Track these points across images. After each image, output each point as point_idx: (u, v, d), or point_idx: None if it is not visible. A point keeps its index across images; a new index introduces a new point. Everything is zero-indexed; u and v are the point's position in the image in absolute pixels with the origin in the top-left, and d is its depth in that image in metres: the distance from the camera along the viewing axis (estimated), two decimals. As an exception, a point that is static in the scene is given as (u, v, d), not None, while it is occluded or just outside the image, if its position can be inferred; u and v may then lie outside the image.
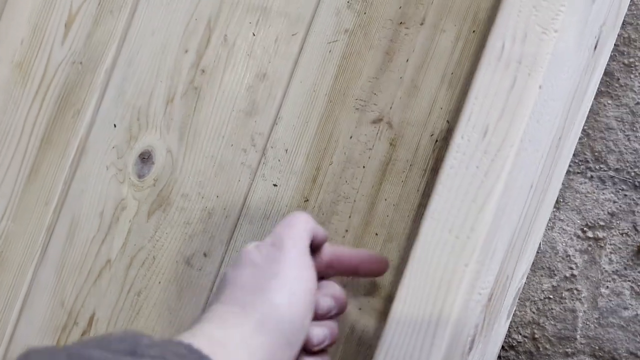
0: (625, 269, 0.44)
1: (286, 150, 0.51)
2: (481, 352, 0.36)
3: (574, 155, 0.47)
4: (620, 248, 0.44)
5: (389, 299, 0.45)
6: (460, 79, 0.46)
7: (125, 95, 0.58)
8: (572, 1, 0.26)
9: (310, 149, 0.50)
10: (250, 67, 0.54)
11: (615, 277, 0.44)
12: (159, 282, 0.54)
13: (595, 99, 0.47)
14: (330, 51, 0.51)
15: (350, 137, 0.48)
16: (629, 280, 0.44)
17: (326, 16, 0.52)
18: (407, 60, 0.47)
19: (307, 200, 0.49)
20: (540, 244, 0.46)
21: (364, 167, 0.48)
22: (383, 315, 0.45)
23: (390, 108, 0.47)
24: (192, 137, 0.55)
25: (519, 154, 0.26)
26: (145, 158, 0.58)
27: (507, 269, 0.35)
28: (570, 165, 0.47)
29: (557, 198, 0.47)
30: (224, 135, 0.54)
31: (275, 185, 0.51)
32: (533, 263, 0.47)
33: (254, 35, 0.54)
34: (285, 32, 0.53)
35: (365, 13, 0.50)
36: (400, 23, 0.48)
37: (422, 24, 0.47)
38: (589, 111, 0.47)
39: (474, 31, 0.46)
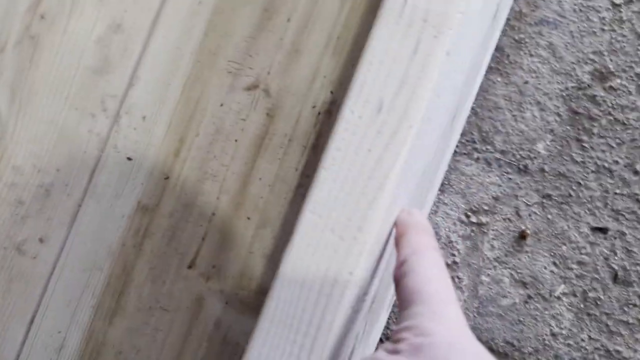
0: (506, 255, 0.43)
1: (144, 118, 0.44)
2: (360, 356, 0.32)
3: (461, 134, 0.45)
4: (502, 234, 0.43)
5: (261, 292, 0.41)
6: (347, 45, 0.41)
7: None
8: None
9: (172, 117, 0.43)
10: (102, 16, 0.46)
11: (496, 264, 0.43)
12: (-19, 274, 0.45)
13: (485, 75, 0.45)
14: (199, 2, 0.44)
15: (221, 105, 0.43)
16: (509, 268, 0.43)
17: (195, -41, 0.45)
18: (289, 20, 0.42)
19: (168, 177, 0.43)
20: (423, 230, 0.43)
21: (236, 140, 0.42)
22: (253, 310, 0.40)
23: (268, 73, 0.42)
24: (27, 97, 0.46)
25: (418, 135, 0.22)
26: (-37, 120, 0.48)
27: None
28: (457, 146, 0.45)
29: (442, 181, 0.44)
30: (67, 96, 0.45)
31: (129, 158, 0.44)
32: (416, 250, 0.44)
33: (107, -25, 0.46)
34: (146, -25, 0.45)
35: (241, -40, 0.44)
36: (281, -25, 0.43)
37: (305, -22, 0.42)
38: (479, 88, 0.45)
39: (362, -9, 0.42)
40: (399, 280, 0.25)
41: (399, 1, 0.22)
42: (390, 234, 0.26)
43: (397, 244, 0.26)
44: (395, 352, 0.22)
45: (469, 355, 0.21)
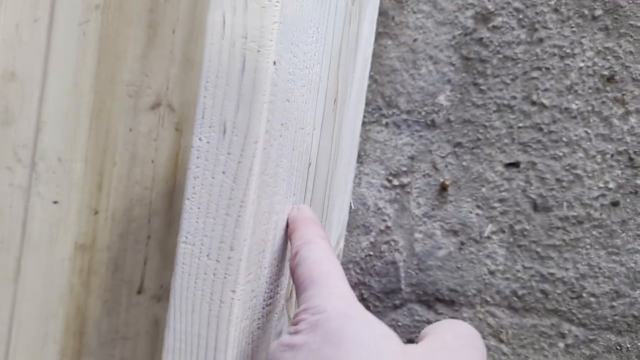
0: (433, 209, 0.45)
1: (59, 159, 0.44)
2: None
3: (366, 104, 0.46)
4: (425, 190, 0.45)
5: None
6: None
7: None
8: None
9: (87, 152, 0.44)
10: (-8, 68, 0.46)
11: (426, 219, 0.45)
12: (-58, 347, 0.46)
13: (375, 41, 0.46)
14: (84, 34, 0.44)
15: (130, 130, 0.43)
16: (438, 220, 0.45)
17: (68, -7, 0.45)
18: (174, 32, 0.43)
19: (97, 212, 0.44)
20: (350, 204, 0.45)
21: (152, 161, 0.43)
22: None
23: (167, 88, 0.43)
24: (-59, 166, 0.46)
25: (268, 146, 0.23)
26: None
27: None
28: (365, 116, 0.46)
29: (359, 152, 0.46)
30: (-21, 156, 0.45)
31: (55, 202, 0.44)
32: (348, 224, 0.46)
33: (-14, 28, 0.45)
34: (26, 17, 0.45)
35: (112, -17, 0.44)
36: (156, -11, 0.43)
37: (180, -13, 0.43)
38: (373, 56, 0.46)
39: (237, -12, 0.42)
40: (293, 270, 0.26)
41: (218, 23, 0.23)
42: (269, 240, 0.27)
43: (290, 238, 0.28)
44: (296, 332, 0.24)
45: (359, 321, 0.23)
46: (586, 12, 0.44)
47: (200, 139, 0.24)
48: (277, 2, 0.22)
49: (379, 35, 0.48)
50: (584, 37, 0.44)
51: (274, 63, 0.24)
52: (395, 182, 0.47)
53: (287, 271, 0.31)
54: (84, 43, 0.47)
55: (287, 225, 0.29)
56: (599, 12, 0.43)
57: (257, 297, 0.26)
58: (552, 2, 0.45)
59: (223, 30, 0.24)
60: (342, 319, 0.23)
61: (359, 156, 0.48)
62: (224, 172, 0.23)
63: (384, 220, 0.47)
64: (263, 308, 0.27)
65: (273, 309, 0.29)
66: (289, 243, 0.30)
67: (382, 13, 0.48)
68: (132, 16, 0.46)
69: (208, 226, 0.24)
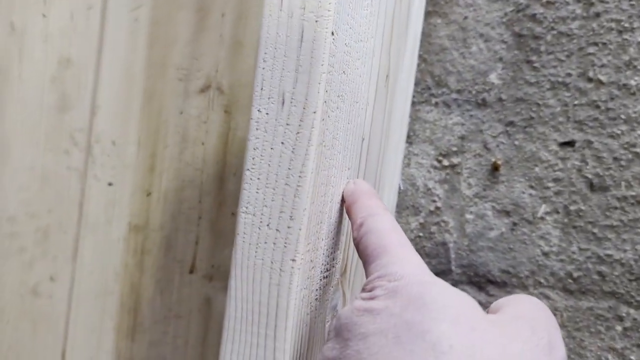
0: (484, 190, 0.44)
1: (113, 142, 0.46)
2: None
3: (415, 84, 0.46)
4: (475, 170, 0.45)
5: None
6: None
7: None
8: None
9: (139, 135, 0.45)
10: (50, 54, 0.48)
11: (477, 200, 0.45)
12: (7, 322, 0.48)
13: (425, 20, 0.45)
14: (136, 20, 0.46)
15: (181, 113, 0.44)
16: (489, 201, 0.45)
17: (121, -21, 0.46)
18: (223, 15, 0.44)
19: (150, 193, 0.45)
20: (399, 185, 0.45)
21: (202, 143, 0.44)
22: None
23: (217, 71, 0.44)
24: (4, 150, 0.48)
25: (326, 118, 0.24)
26: (-50, 186, 0.50)
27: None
28: (413, 96, 0.46)
29: (408, 132, 0.46)
30: (38, 140, 0.48)
31: (110, 184, 0.46)
32: (397, 205, 0.46)
33: (44, 16, 0.47)
34: (80, 6, 0.47)
35: (163, -31, 0.45)
36: (206, -27, 0.44)
37: (229, -30, 0.43)
38: (422, 34, 0.46)
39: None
40: (359, 240, 0.27)
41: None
42: (327, 210, 0.27)
43: (350, 211, 0.28)
44: (372, 298, 0.24)
45: (439, 286, 0.23)
46: (647, -17, 0.42)
47: (259, 110, 0.24)
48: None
49: (428, 14, 0.48)
50: (644, 10, 0.43)
51: (332, 33, 0.24)
52: (446, 163, 0.47)
53: (341, 245, 0.31)
54: (136, 29, 0.48)
55: (343, 200, 0.30)
56: (660, -17, 0.42)
57: (314, 268, 0.27)
58: (610, -25, 0.43)
59: (281, 1, 0.24)
60: (422, 285, 0.23)
61: (408, 136, 0.48)
62: (282, 143, 0.24)
63: (434, 201, 0.47)
64: (320, 280, 0.28)
65: (329, 282, 0.30)
66: (344, 217, 0.30)
67: (431, -9, 0.47)
68: (182, 1, 0.47)
69: (268, 196, 0.24)
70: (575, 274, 0.44)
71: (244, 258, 0.24)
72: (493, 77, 0.46)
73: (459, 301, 0.23)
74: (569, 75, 0.45)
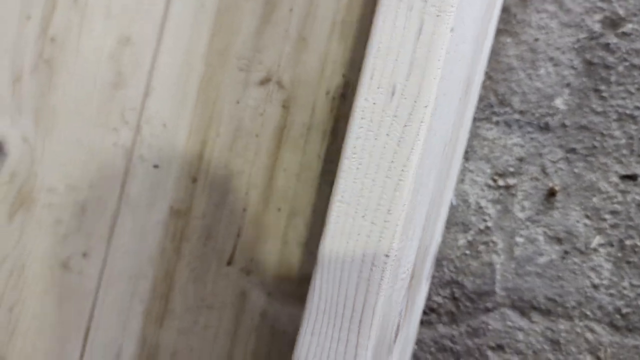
0: (538, 214, 0.44)
1: (164, 125, 0.46)
2: (405, 331, 0.34)
3: (478, 100, 0.46)
4: (531, 193, 0.44)
5: (301, 280, 0.42)
6: (353, 27, 0.42)
7: (-48, 77, 0.49)
8: None
9: (192, 121, 0.45)
10: (110, 31, 0.47)
11: (529, 223, 0.44)
12: (33, 293, 0.48)
13: (495, 38, 0.45)
14: (202, 5, 0.45)
15: (237, 103, 0.44)
16: (542, 226, 0.44)
17: (193, -37, 0.46)
18: (291, 10, 0.43)
19: (196, 180, 0.44)
20: (452, 200, 0.45)
21: (256, 135, 0.44)
22: (296, 298, 0.42)
23: (279, 66, 0.43)
24: (51, 120, 0.48)
25: (434, 113, 0.23)
26: (-5, 150, 0.50)
27: (426, 239, 0.33)
28: (475, 112, 0.46)
29: (465, 148, 0.45)
30: (88, 114, 0.47)
31: (156, 166, 0.45)
32: (447, 220, 0.45)
33: (110, -9, 0.47)
34: (147, -15, 0.47)
35: (237, -43, 0.45)
36: (279, -34, 0.44)
37: (303, -34, 0.43)
38: (490, 52, 0.46)
39: (361, -29, 0.42)
40: None
41: (398, -15, 0.23)
42: (417, 210, 0.27)
43: None
44: None
45: None
46: None
47: (366, 99, 0.24)
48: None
49: (498, 32, 0.47)
50: None
51: (451, 30, 0.24)
52: (501, 182, 0.46)
53: (414, 251, 0.31)
54: (201, 14, 0.48)
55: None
56: None
57: (399, 267, 0.26)
58: (690, 12, 0.43)
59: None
60: None
61: (465, 152, 0.47)
62: (387, 135, 0.23)
63: (485, 220, 0.46)
64: (401, 280, 0.27)
65: (402, 285, 0.29)
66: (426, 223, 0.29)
67: (505, 9, 0.47)
68: (251, -9, 0.47)
69: (366, 187, 0.24)
70: (624, 310, 0.43)
71: (333, 248, 0.24)
72: (558, 102, 0.46)
73: None
74: (638, 108, 0.44)
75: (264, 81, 0.47)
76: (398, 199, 0.23)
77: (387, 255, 0.23)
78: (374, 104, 0.24)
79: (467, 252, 0.48)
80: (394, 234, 0.23)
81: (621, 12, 0.45)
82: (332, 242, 0.24)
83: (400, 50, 0.23)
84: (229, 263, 0.47)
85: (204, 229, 0.47)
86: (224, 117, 0.47)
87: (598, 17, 0.45)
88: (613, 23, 0.45)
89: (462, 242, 0.47)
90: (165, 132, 0.48)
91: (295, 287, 0.45)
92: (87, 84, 0.50)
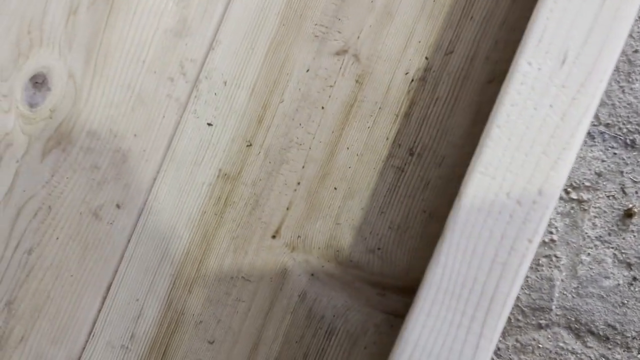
0: (610, 234, 0.41)
1: (225, 82, 0.43)
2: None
3: (562, 106, 0.43)
4: (605, 212, 0.41)
5: (348, 265, 0.40)
6: (444, 8, 0.40)
7: (9, 1, 0.46)
8: None
9: (256, 82, 0.42)
10: (182, -26, 0.45)
11: (598, 243, 0.41)
12: (57, 238, 0.45)
13: (589, 43, 0.42)
14: (285, -38, 0.43)
15: (307, 71, 0.41)
16: (612, 247, 0.41)
17: None
18: (381, -19, 0.41)
19: (250, 145, 0.42)
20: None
21: (322, 107, 0.41)
22: (340, 283, 0.39)
23: (358, 38, 0.41)
24: (103, 60, 0.45)
25: (604, 89, 0.21)
26: (39, 83, 0.47)
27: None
28: (557, 118, 0.43)
29: (541, 154, 0.43)
30: (144, 60, 0.45)
31: (210, 124, 0.43)
32: (511, 226, 0.42)
33: None
34: None
35: None
36: None
37: (400, -64, 0.41)
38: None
39: (462, -49, 0.40)
40: None
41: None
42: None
43: None
44: None
45: None
46: None
47: (530, 63, 0.21)
48: None
49: (595, 37, 0.45)
50: None
51: None
52: (574, 196, 0.43)
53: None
54: (282, -29, 0.45)
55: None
56: None
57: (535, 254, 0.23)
58: None
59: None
60: None
61: (541, 158, 0.44)
62: (551, 106, 0.21)
63: (551, 233, 0.43)
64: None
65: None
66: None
67: (605, 15, 0.44)
68: (340, -45, 0.45)
69: (516, 162, 0.21)
70: (690, 349, 0.40)
71: (467, 225, 0.21)
72: (649, 120, 0.43)
73: None
74: None
75: (340, 52, 0.44)
76: (553, 180, 0.21)
77: (530, 241, 0.21)
78: (539, 69, 0.21)
79: (528, 263, 0.45)
80: (541, 217, 0.21)
81: None
82: (467, 218, 0.22)
83: (578, 14, 0.21)
84: (274, 236, 0.44)
85: (252, 197, 0.45)
86: (290, 83, 0.45)
87: None
88: None
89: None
90: (225, 90, 0.46)
91: (341, 271, 0.43)
92: (147, 28, 0.47)
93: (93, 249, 0.48)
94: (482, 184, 0.21)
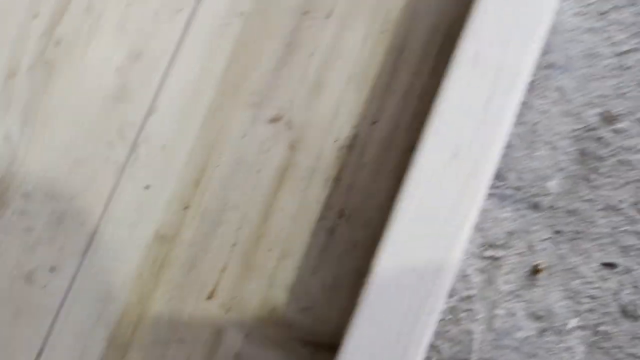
0: (520, 289, 0.45)
1: (163, 146, 0.45)
2: None
3: (476, 171, 0.48)
4: (516, 268, 0.45)
5: (282, 325, 0.42)
6: (369, 80, 0.44)
7: (-50, 61, 0.47)
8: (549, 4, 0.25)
9: (193, 147, 0.45)
10: (122, 44, 0.47)
11: (511, 297, 0.45)
12: (-13, 304, 0.45)
13: (498, 115, 0.48)
14: (222, 34, 0.46)
15: (243, 137, 0.44)
16: (523, 301, 0.45)
17: (220, -6, 0.47)
18: (312, 55, 0.44)
19: (187, 207, 0.44)
20: (442, 263, 0.46)
21: (257, 171, 0.44)
22: (274, 343, 0.41)
23: (291, 107, 0.44)
24: (42, 122, 0.46)
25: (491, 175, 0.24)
26: (-26, 145, 0.48)
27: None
28: (472, 182, 0.48)
29: (459, 215, 0.47)
30: (84, 124, 0.46)
31: (147, 187, 0.44)
32: (433, 283, 0.46)
33: (127, 6, 0.47)
34: (169, 6, 0.47)
35: (266, -4, 0.46)
36: (305, 13, 0.45)
37: (328, 17, 0.45)
38: (492, 127, 0.48)
39: (384, 31, 0.44)
40: None
41: (470, 52, 0.25)
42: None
43: None
44: None
45: None
46: None
47: (426, 158, 0.25)
48: (534, 48, 0.23)
49: (503, 109, 0.50)
50: (700, 161, 0.46)
51: (519, 103, 0.25)
52: (489, 253, 0.48)
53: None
54: (220, 43, 0.49)
55: None
56: None
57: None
58: (676, 121, 0.47)
59: (476, 60, 0.25)
60: None
61: (459, 219, 0.49)
62: (444, 190, 0.24)
63: (469, 288, 0.47)
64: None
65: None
66: None
67: (511, 90, 0.50)
68: (273, 31, 0.48)
69: (420, 239, 0.24)
70: (594, 394, 0.44)
71: (376, 297, 0.24)
72: (551, 185, 0.48)
73: None
74: (622, 202, 0.47)
75: (274, 119, 0.47)
76: (453, 254, 0.24)
77: (429, 313, 0.24)
78: (435, 161, 0.25)
79: (449, 317, 0.48)
80: (442, 289, 0.23)
81: (616, 110, 0.48)
82: (376, 289, 0.24)
83: (467, 114, 0.25)
84: (210, 297, 0.45)
85: (188, 259, 0.46)
86: (227, 148, 0.47)
87: (596, 110, 0.49)
88: (608, 119, 0.48)
89: (444, 306, 0.48)
90: (163, 154, 0.48)
91: (275, 331, 0.44)
92: (87, 93, 0.49)
93: (24, 313, 0.47)
94: (389, 258, 0.24)
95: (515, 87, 0.24)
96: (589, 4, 0.51)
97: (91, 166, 0.48)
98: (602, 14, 0.51)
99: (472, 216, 0.23)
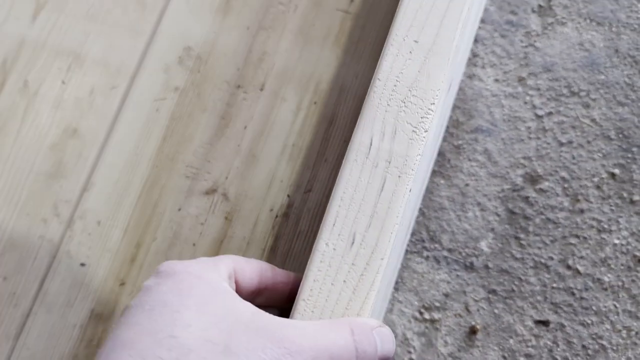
0: (459, 350, 0.46)
1: (98, 222, 0.45)
2: None
3: (411, 234, 0.49)
4: (454, 329, 0.46)
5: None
6: (302, 151, 0.45)
7: None
8: (440, 96, 0.27)
9: (129, 222, 0.45)
10: (57, 121, 0.48)
11: (450, 359, 0.46)
12: None
13: (430, 178, 0.49)
14: (157, 110, 0.47)
15: (179, 210, 0.45)
16: (462, 363, 0.46)
17: (153, 70, 0.49)
18: (245, 127, 0.46)
19: (124, 283, 0.43)
20: (380, 328, 0.46)
21: (194, 244, 0.44)
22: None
23: (226, 178, 0.45)
24: (-27, 203, 0.46)
25: (388, 264, 0.25)
26: None
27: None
28: (407, 245, 0.49)
29: (396, 279, 0.48)
30: (17, 202, 0.46)
31: (83, 264, 0.44)
32: (373, 348, 0.46)
33: (63, 83, 0.48)
34: (104, 83, 0.48)
35: (199, 72, 0.48)
36: (238, 87, 0.47)
37: (261, 89, 0.47)
38: (425, 190, 0.50)
39: (315, 102, 0.46)
40: None
41: (364, 144, 0.26)
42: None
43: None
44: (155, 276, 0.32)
45: (208, 285, 0.28)
46: (625, 195, 0.48)
47: (327, 244, 0.26)
48: (424, 136, 0.25)
49: (433, 173, 0.52)
50: (620, 217, 0.49)
51: (409, 190, 0.26)
52: (426, 316, 0.48)
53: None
54: (155, 118, 0.50)
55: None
56: (636, 198, 0.48)
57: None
58: (596, 180, 0.49)
59: (369, 151, 0.26)
60: (196, 278, 0.28)
61: (396, 282, 0.50)
62: (344, 281, 0.25)
63: (409, 352, 0.48)
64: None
65: None
66: None
67: (440, 154, 0.52)
68: (208, 105, 0.50)
69: None
70: None
71: None
72: (483, 245, 0.50)
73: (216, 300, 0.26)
74: (551, 258, 0.49)
75: (209, 191, 0.48)
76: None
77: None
78: (334, 249, 0.25)
79: (391, 383, 0.48)
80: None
81: (540, 170, 0.51)
82: None
83: (362, 203, 0.26)
84: (147, 376, 0.45)
85: (125, 337, 0.45)
86: (163, 222, 0.47)
87: (520, 171, 0.51)
88: (532, 179, 0.51)
89: (386, 372, 0.48)
90: (99, 230, 0.48)
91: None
92: (21, 171, 0.49)
93: (-47, 402, 0.45)
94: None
95: (404, 176, 0.26)
96: (508, 71, 0.54)
97: (25, 245, 0.48)
98: (520, 80, 0.54)
99: (370, 303, 0.24)
